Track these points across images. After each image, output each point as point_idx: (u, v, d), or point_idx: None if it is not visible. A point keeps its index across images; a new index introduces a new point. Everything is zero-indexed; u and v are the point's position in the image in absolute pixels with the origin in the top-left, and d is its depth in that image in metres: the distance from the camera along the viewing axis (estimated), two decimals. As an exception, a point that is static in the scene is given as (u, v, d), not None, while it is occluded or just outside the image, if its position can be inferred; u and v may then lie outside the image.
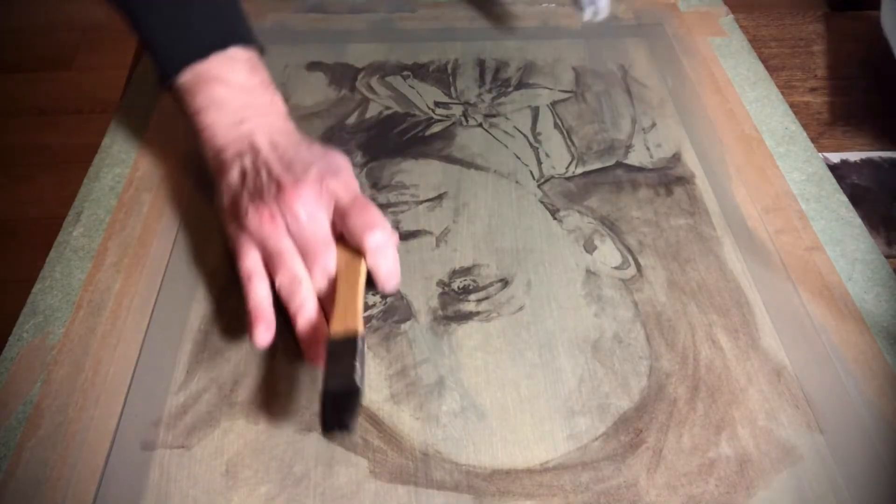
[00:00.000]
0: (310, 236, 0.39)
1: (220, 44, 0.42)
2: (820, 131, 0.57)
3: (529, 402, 0.37)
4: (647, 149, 0.53)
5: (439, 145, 0.52)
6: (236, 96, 0.42)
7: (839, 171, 0.52)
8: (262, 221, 0.38)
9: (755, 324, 0.41)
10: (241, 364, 0.39)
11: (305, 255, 0.39)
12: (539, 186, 0.50)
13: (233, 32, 0.43)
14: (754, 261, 0.45)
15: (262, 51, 0.45)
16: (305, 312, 0.38)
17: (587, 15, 0.53)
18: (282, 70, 0.59)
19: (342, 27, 0.64)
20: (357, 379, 0.34)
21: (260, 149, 0.41)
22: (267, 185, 0.39)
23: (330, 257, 0.39)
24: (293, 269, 0.38)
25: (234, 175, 0.41)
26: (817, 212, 0.48)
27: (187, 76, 0.42)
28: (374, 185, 0.49)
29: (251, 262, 0.39)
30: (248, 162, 0.41)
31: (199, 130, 0.43)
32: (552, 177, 0.50)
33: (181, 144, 0.51)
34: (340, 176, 0.41)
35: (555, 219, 0.47)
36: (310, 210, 0.38)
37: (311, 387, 0.38)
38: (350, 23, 0.65)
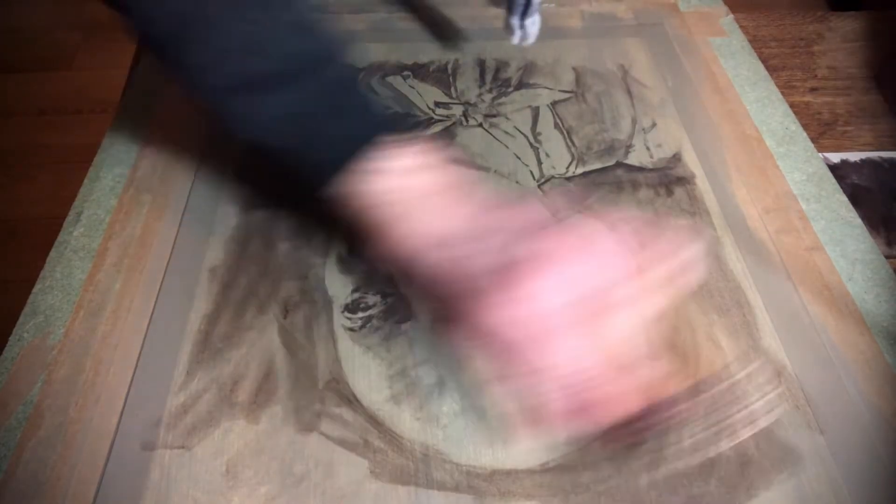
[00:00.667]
0: None
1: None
2: (820, 131, 0.57)
3: (530, 403, 0.37)
4: (648, 149, 0.53)
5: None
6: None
7: (839, 171, 0.52)
8: None
9: (755, 324, 0.41)
10: (241, 364, 0.39)
11: None
12: (539, 186, 0.50)
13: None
14: (755, 261, 0.45)
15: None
16: None
17: (515, 39, 0.53)
18: (282, 70, 0.59)
19: (342, 27, 0.64)
20: None
21: None
22: None
23: None
24: None
25: None
26: (817, 212, 0.48)
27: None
28: (375, 185, 0.49)
29: None
30: None
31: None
32: (552, 177, 0.50)
33: (181, 144, 0.51)
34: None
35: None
36: None
37: (311, 386, 0.38)
38: (350, 23, 0.65)
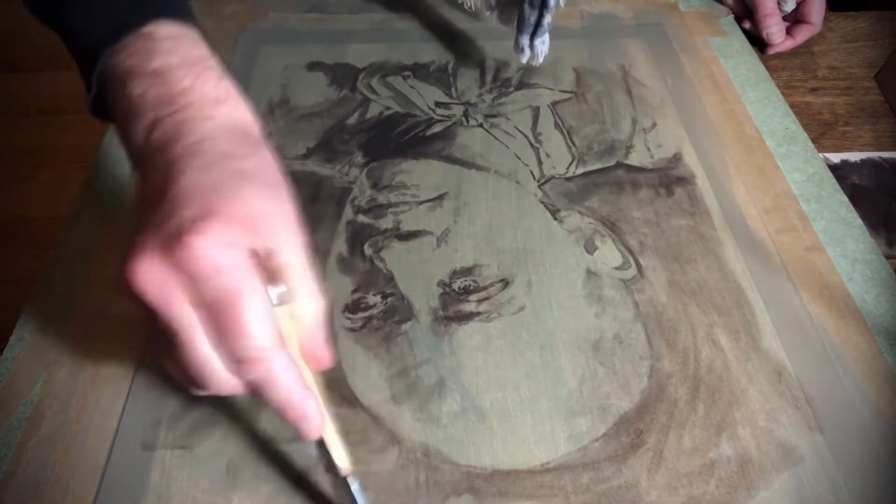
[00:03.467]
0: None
1: (137, 21, 0.30)
2: (820, 131, 0.57)
3: (530, 403, 0.37)
4: (648, 149, 0.53)
5: (440, 145, 0.52)
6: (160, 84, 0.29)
7: (839, 172, 0.52)
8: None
9: (756, 324, 0.41)
10: (242, 364, 0.39)
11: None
12: (540, 187, 0.50)
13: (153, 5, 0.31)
14: (755, 261, 0.45)
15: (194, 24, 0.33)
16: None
17: (524, 59, 0.53)
18: (282, 70, 0.59)
19: (342, 27, 0.64)
20: None
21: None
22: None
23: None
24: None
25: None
26: (818, 212, 0.48)
27: (106, 68, 0.31)
28: (375, 185, 0.49)
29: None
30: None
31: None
32: (553, 177, 0.50)
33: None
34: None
35: (555, 219, 0.47)
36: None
37: (311, 387, 0.38)
38: (350, 23, 0.65)
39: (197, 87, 0.29)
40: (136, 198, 0.28)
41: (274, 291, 0.27)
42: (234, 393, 0.27)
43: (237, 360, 0.25)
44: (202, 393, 0.27)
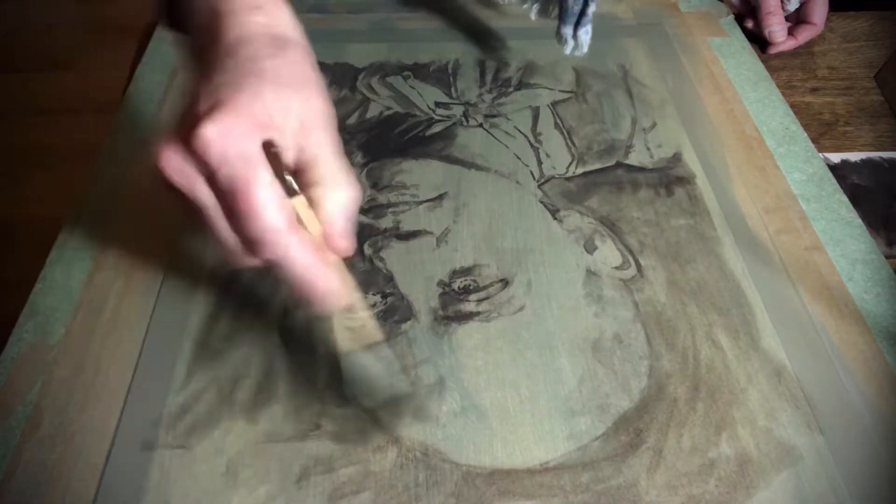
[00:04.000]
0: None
1: None
2: (820, 131, 0.57)
3: (529, 403, 0.37)
4: (648, 149, 0.53)
5: (440, 145, 0.52)
6: None
7: (839, 172, 0.52)
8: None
9: (755, 324, 0.41)
10: (241, 364, 0.39)
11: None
12: (539, 186, 0.50)
13: None
14: (754, 261, 0.45)
15: None
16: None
17: (567, 50, 0.53)
18: (282, 70, 0.59)
19: (342, 27, 0.64)
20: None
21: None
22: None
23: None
24: None
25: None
26: (817, 212, 0.48)
27: None
28: (375, 185, 0.49)
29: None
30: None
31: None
32: (552, 177, 0.50)
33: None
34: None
35: (555, 219, 0.47)
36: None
37: (311, 387, 0.38)
38: (350, 23, 0.65)
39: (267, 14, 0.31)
40: (185, 96, 0.30)
41: (293, 181, 0.28)
42: (259, 265, 0.29)
43: (251, 242, 0.27)
44: (238, 265, 0.29)
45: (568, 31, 0.51)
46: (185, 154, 0.27)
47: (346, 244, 0.31)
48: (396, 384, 0.36)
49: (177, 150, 0.27)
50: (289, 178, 0.28)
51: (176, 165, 0.27)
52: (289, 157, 0.29)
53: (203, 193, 0.27)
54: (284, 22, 0.32)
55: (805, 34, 0.62)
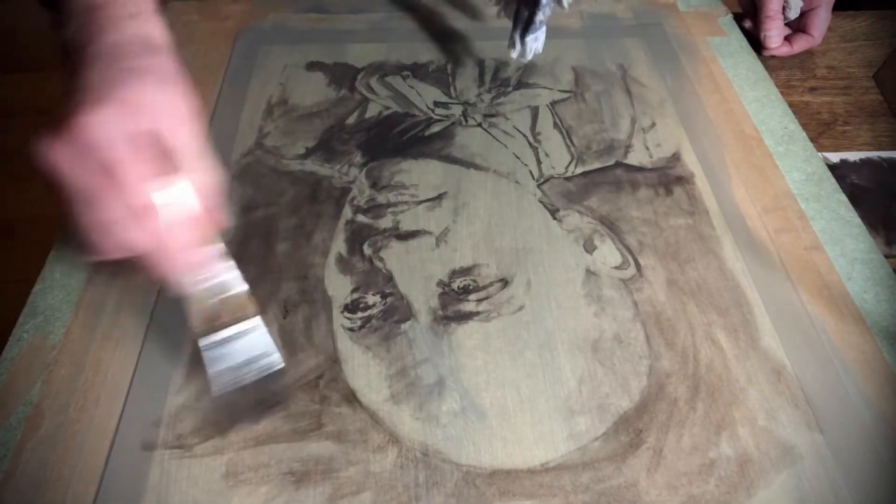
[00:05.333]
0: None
1: None
2: (819, 131, 0.57)
3: (529, 402, 0.37)
4: (647, 149, 0.53)
5: (439, 145, 0.52)
6: None
7: (839, 171, 0.52)
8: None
9: (755, 324, 0.41)
10: (241, 364, 0.39)
11: None
12: (539, 186, 0.50)
13: None
14: (754, 261, 0.45)
15: None
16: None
17: (514, 55, 0.53)
18: (282, 70, 0.59)
19: (342, 27, 0.64)
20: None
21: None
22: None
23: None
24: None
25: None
26: (817, 211, 0.48)
27: None
28: (374, 184, 0.49)
29: None
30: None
31: None
32: (552, 177, 0.50)
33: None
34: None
35: (554, 219, 0.47)
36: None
37: (311, 387, 0.38)
38: (350, 23, 0.65)
39: (116, 2, 0.35)
40: (63, 92, 0.33)
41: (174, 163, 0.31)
42: (132, 253, 0.31)
43: (130, 215, 0.30)
44: (105, 256, 0.31)
45: (517, 35, 0.51)
46: (64, 144, 0.29)
47: (221, 218, 0.35)
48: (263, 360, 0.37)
49: (56, 142, 0.29)
50: (171, 160, 0.31)
51: (57, 154, 0.29)
52: (164, 143, 0.32)
53: (82, 179, 0.29)
54: (157, 31, 0.35)
55: (801, 44, 0.62)
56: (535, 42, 0.51)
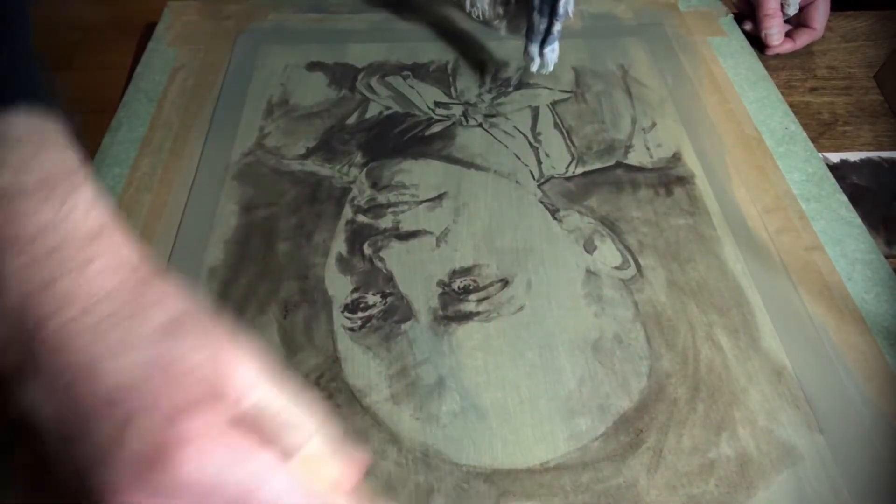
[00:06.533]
0: None
1: None
2: (820, 131, 0.57)
3: (529, 403, 0.37)
4: (647, 149, 0.53)
5: (439, 145, 0.52)
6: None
7: (839, 171, 0.52)
8: None
9: (755, 324, 0.41)
10: (241, 364, 0.39)
11: None
12: (539, 186, 0.50)
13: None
14: (754, 261, 0.45)
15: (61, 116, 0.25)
16: None
17: (534, 68, 0.53)
18: (281, 70, 0.59)
19: (342, 27, 0.64)
20: None
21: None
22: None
23: None
24: None
25: None
26: (817, 212, 0.48)
27: None
28: (374, 185, 0.49)
29: None
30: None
31: None
32: (552, 177, 0.50)
33: (181, 144, 0.51)
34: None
35: (555, 219, 0.47)
36: None
37: (311, 386, 0.38)
38: (350, 23, 0.65)
39: (62, 220, 0.21)
40: (39, 436, 0.20)
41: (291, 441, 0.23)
42: None
43: None
44: None
45: (535, 49, 0.52)
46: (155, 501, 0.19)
47: (356, 471, 0.26)
48: None
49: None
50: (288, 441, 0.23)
51: None
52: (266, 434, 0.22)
53: None
54: (127, 244, 0.23)
55: (803, 38, 0.62)
56: (553, 53, 0.52)
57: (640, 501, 0.34)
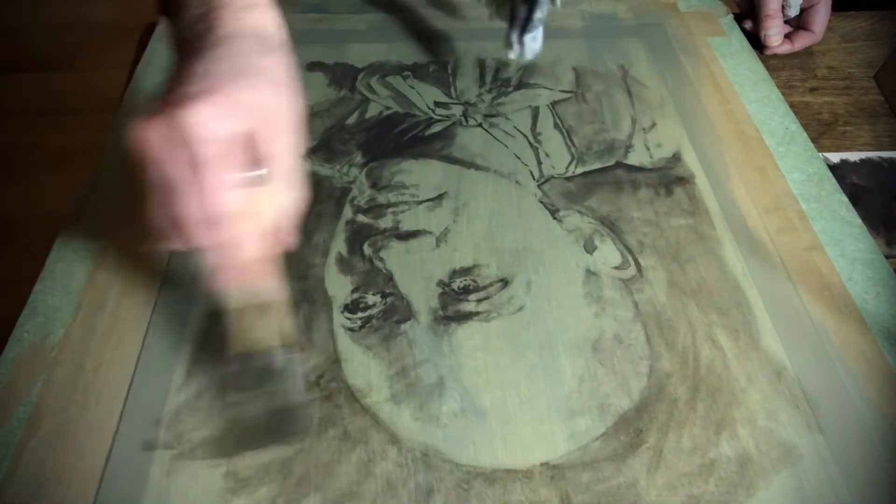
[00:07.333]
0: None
1: None
2: (820, 131, 0.57)
3: (529, 403, 0.37)
4: (647, 149, 0.53)
5: (439, 145, 0.52)
6: None
7: (839, 171, 0.52)
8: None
9: (755, 324, 0.41)
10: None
11: None
12: (539, 186, 0.50)
13: None
14: (754, 261, 0.45)
15: None
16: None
17: (513, 55, 0.52)
18: (282, 70, 0.59)
19: (342, 27, 0.64)
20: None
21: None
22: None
23: None
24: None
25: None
26: (817, 212, 0.48)
27: None
28: (374, 185, 0.49)
29: None
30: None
31: None
32: (552, 177, 0.50)
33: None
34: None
35: (555, 219, 0.47)
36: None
37: (311, 386, 0.38)
38: (350, 23, 0.65)
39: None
40: (169, 77, 0.32)
41: (255, 172, 0.30)
42: (204, 247, 0.30)
43: (206, 220, 0.29)
44: (165, 249, 0.31)
45: (514, 35, 0.51)
46: (164, 130, 0.28)
47: (291, 240, 0.34)
48: (288, 393, 0.36)
49: (155, 125, 0.28)
50: (263, 170, 0.30)
51: (153, 138, 0.28)
52: (260, 149, 0.30)
53: (173, 166, 0.28)
54: (274, 24, 0.34)
55: (802, 41, 0.62)
56: (534, 42, 0.51)
57: (640, 501, 0.34)
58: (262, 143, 0.30)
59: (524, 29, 0.50)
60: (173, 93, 0.29)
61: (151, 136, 0.28)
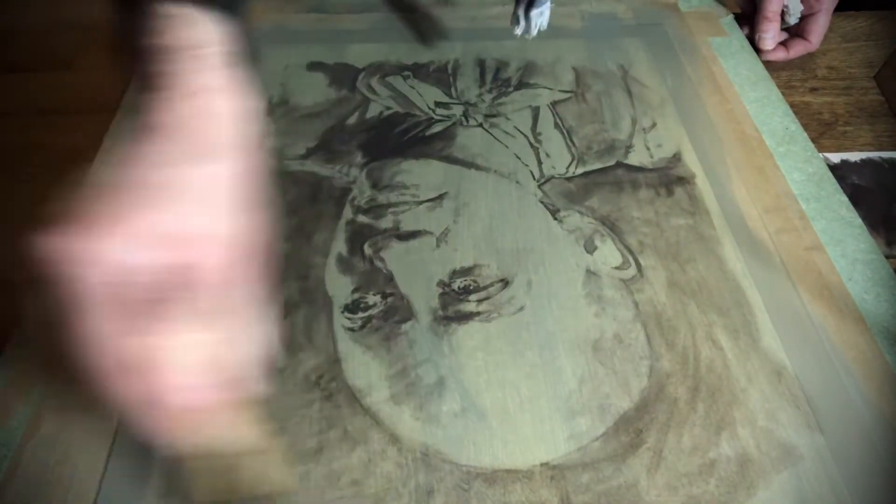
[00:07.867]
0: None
1: None
2: (820, 131, 0.57)
3: (530, 403, 0.37)
4: (648, 149, 0.53)
5: (440, 145, 0.52)
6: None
7: (839, 171, 0.52)
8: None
9: (755, 324, 0.41)
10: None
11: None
12: (539, 186, 0.50)
13: None
14: (754, 261, 0.45)
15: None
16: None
17: (518, 31, 0.51)
18: (282, 70, 0.59)
19: (342, 27, 0.64)
20: None
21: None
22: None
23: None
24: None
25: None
26: (817, 212, 0.48)
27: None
28: (375, 185, 0.49)
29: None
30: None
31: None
32: (552, 177, 0.50)
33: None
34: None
35: (555, 219, 0.47)
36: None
37: (311, 387, 0.38)
38: (350, 23, 0.65)
39: (178, 74, 0.28)
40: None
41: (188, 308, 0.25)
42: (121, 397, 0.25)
43: (119, 363, 0.24)
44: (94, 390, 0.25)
45: (520, 10, 0.50)
46: (85, 255, 0.24)
47: (260, 387, 0.28)
48: None
49: (63, 242, 0.24)
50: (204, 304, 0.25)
51: (73, 262, 0.23)
52: (200, 283, 0.26)
53: (92, 302, 0.24)
54: (228, 119, 0.28)
55: (797, 49, 0.62)
56: (541, 17, 0.50)
57: (640, 501, 0.34)
58: (203, 276, 0.25)
59: (531, 3, 0.49)
60: (87, 209, 0.25)
61: (52, 252, 0.24)
